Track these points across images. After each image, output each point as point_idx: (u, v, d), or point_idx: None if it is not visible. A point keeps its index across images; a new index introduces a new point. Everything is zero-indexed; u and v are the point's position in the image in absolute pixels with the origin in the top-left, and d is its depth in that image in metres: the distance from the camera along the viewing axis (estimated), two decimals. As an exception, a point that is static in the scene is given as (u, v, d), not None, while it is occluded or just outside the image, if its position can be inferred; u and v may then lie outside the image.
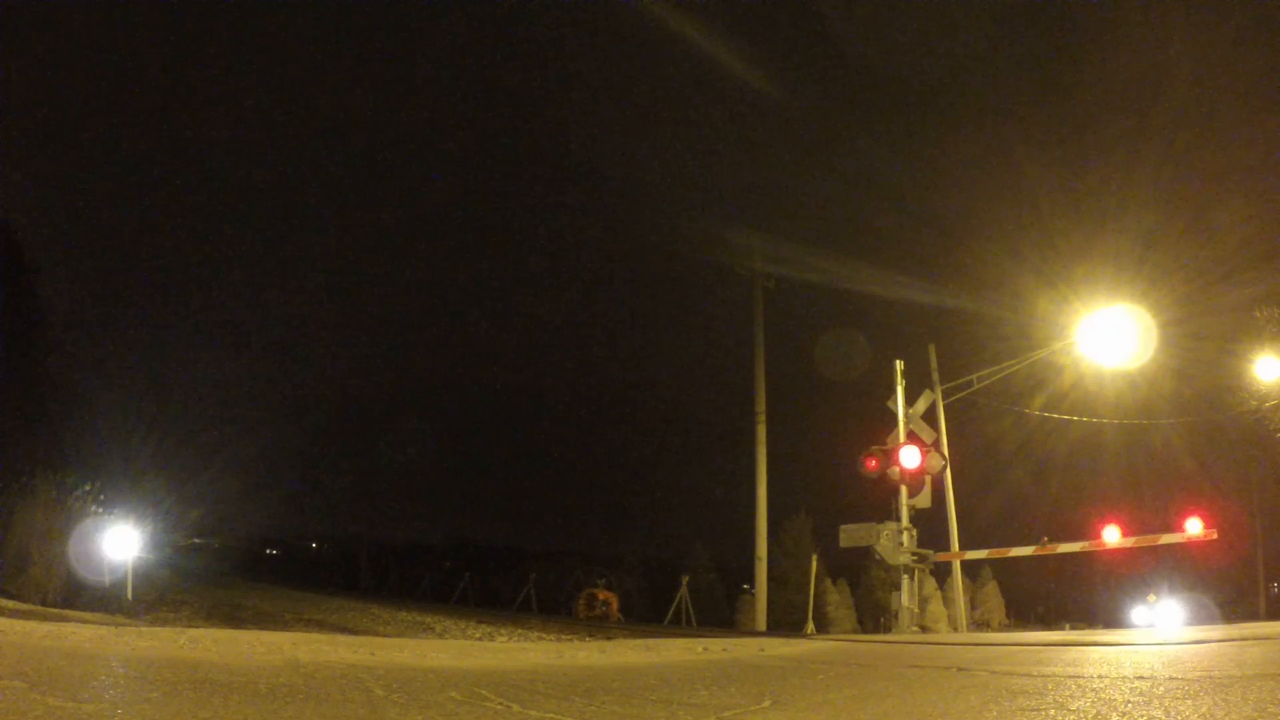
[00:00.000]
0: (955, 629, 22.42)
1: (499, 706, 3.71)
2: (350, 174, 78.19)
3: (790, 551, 27.01)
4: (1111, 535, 14.26)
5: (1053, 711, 3.51)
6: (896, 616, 13.24)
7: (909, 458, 13.00)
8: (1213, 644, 6.87)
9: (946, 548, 17.57)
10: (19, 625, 5.85)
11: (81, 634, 5.74)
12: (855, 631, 24.97)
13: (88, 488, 11.78)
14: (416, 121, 75.15)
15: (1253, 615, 29.47)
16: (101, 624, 7.34)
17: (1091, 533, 15.72)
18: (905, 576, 13.12)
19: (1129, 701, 3.66)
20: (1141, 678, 4.43)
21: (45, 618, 7.24)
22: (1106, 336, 14.00)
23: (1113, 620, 33.30)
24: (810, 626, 17.28)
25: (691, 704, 4.02)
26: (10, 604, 8.56)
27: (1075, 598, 38.88)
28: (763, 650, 7.76)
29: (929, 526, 14.28)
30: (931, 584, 28.02)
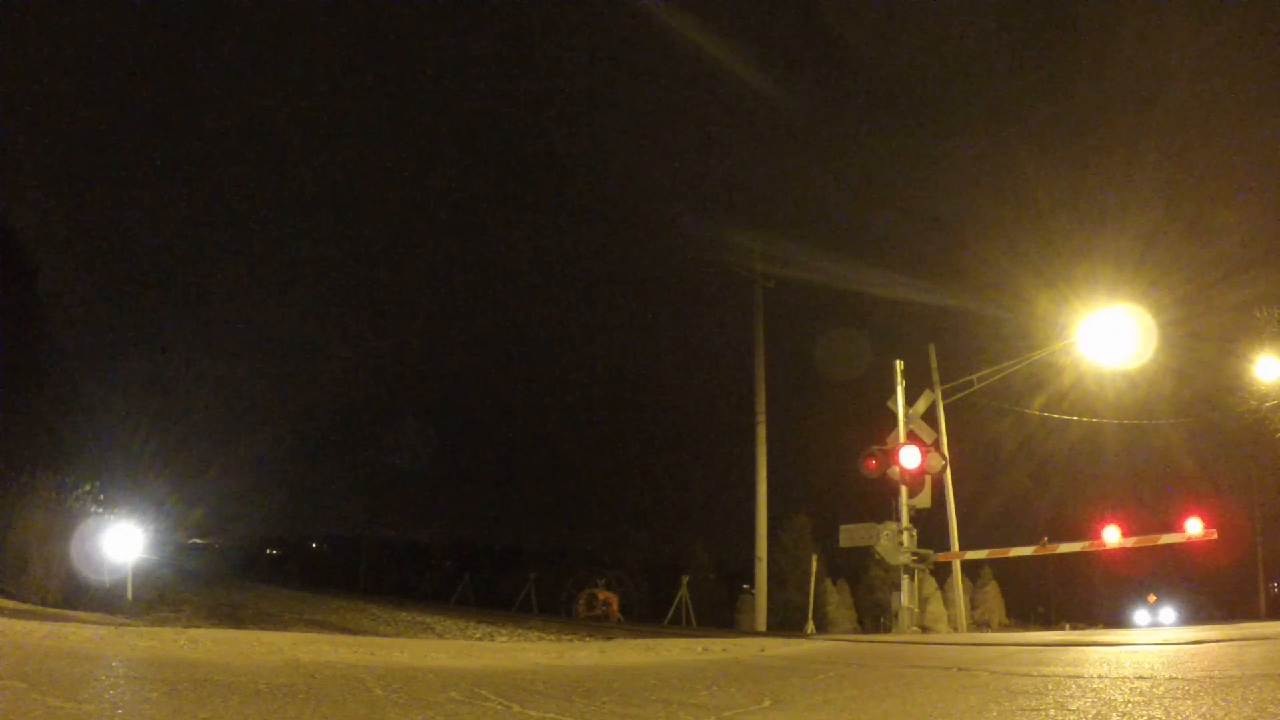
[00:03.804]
0: (955, 629, 22.41)
1: (499, 706, 3.71)
2: (351, 175, 78.21)
3: (790, 551, 26.96)
4: (1111, 535, 14.28)
5: (1053, 711, 3.51)
6: (896, 616, 13.24)
7: (909, 458, 13.00)
8: (1213, 644, 6.87)
9: (946, 548, 17.57)
10: (19, 625, 5.85)
11: (81, 634, 5.74)
12: (855, 631, 24.95)
13: (88, 488, 11.77)
14: (416, 123, 75.15)
15: (1253, 615, 29.46)
16: (101, 624, 7.33)
17: (1091, 533, 15.74)
18: (905, 576, 13.12)
19: (1129, 701, 3.66)
20: (1142, 678, 4.43)
21: (45, 618, 7.24)
22: (1106, 336, 13.99)
23: (1113, 620, 33.33)
24: (810, 626, 17.26)
25: (691, 704, 4.01)
26: (10, 604, 8.55)
27: (1075, 598, 38.90)
28: (763, 650, 7.76)
29: (929, 526, 14.29)
30: (931, 584, 27.98)
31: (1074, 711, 3.49)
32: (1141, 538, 13.89)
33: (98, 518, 11.63)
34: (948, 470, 17.97)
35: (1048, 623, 35.09)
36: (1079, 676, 4.64)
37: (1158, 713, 3.36)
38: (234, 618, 12.06)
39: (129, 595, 11.80)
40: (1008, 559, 22.41)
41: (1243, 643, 6.70)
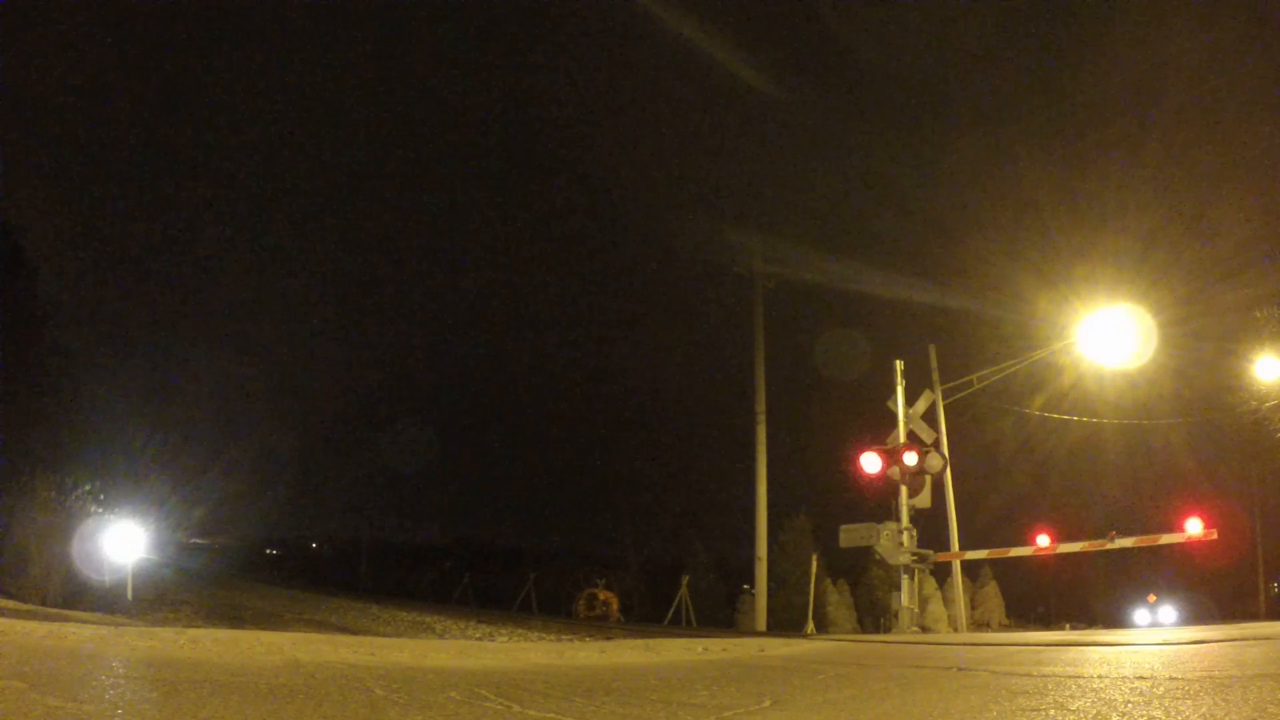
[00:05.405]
0: (955, 629, 22.40)
1: (499, 706, 3.71)
2: (351, 175, 78.22)
3: (790, 551, 26.93)
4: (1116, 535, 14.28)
5: (1053, 711, 3.51)
6: (896, 616, 13.25)
7: (909, 458, 13.01)
8: (1213, 644, 6.87)
9: (946, 548, 17.57)
10: (19, 625, 5.84)
11: (81, 634, 5.74)
12: (855, 631, 24.95)
13: (88, 488, 11.78)
14: (416, 121, 75.16)
15: (1253, 615, 29.45)
16: (101, 624, 7.33)
17: (1091, 533, 15.72)
18: (905, 576, 13.14)
19: (1129, 701, 3.66)
20: (1142, 678, 4.43)
21: (45, 618, 7.24)
22: (1106, 336, 14.01)
23: (1113, 620, 33.32)
24: (810, 626, 17.27)
25: (691, 704, 4.01)
26: (10, 604, 8.55)
27: (1075, 598, 38.89)
28: (763, 650, 7.77)
29: (929, 526, 14.31)
30: (931, 584, 27.98)
31: (1074, 711, 3.49)
32: (1141, 538, 13.88)
33: (98, 518, 11.64)
34: (948, 470, 17.97)
35: (1048, 623, 35.08)
36: (1079, 676, 4.64)
37: (1158, 713, 3.36)
38: (234, 618, 12.06)
39: (129, 595, 11.80)
40: (1008, 559, 22.41)
41: (1243, 643, 6.70)
